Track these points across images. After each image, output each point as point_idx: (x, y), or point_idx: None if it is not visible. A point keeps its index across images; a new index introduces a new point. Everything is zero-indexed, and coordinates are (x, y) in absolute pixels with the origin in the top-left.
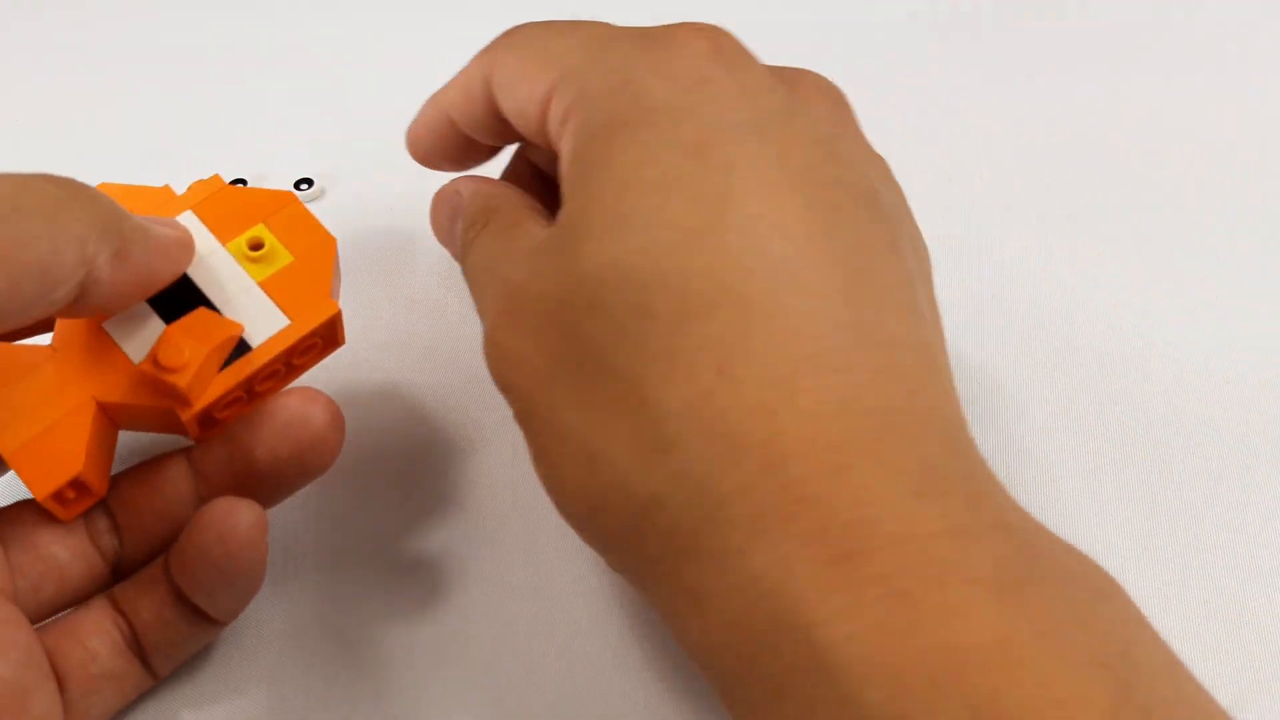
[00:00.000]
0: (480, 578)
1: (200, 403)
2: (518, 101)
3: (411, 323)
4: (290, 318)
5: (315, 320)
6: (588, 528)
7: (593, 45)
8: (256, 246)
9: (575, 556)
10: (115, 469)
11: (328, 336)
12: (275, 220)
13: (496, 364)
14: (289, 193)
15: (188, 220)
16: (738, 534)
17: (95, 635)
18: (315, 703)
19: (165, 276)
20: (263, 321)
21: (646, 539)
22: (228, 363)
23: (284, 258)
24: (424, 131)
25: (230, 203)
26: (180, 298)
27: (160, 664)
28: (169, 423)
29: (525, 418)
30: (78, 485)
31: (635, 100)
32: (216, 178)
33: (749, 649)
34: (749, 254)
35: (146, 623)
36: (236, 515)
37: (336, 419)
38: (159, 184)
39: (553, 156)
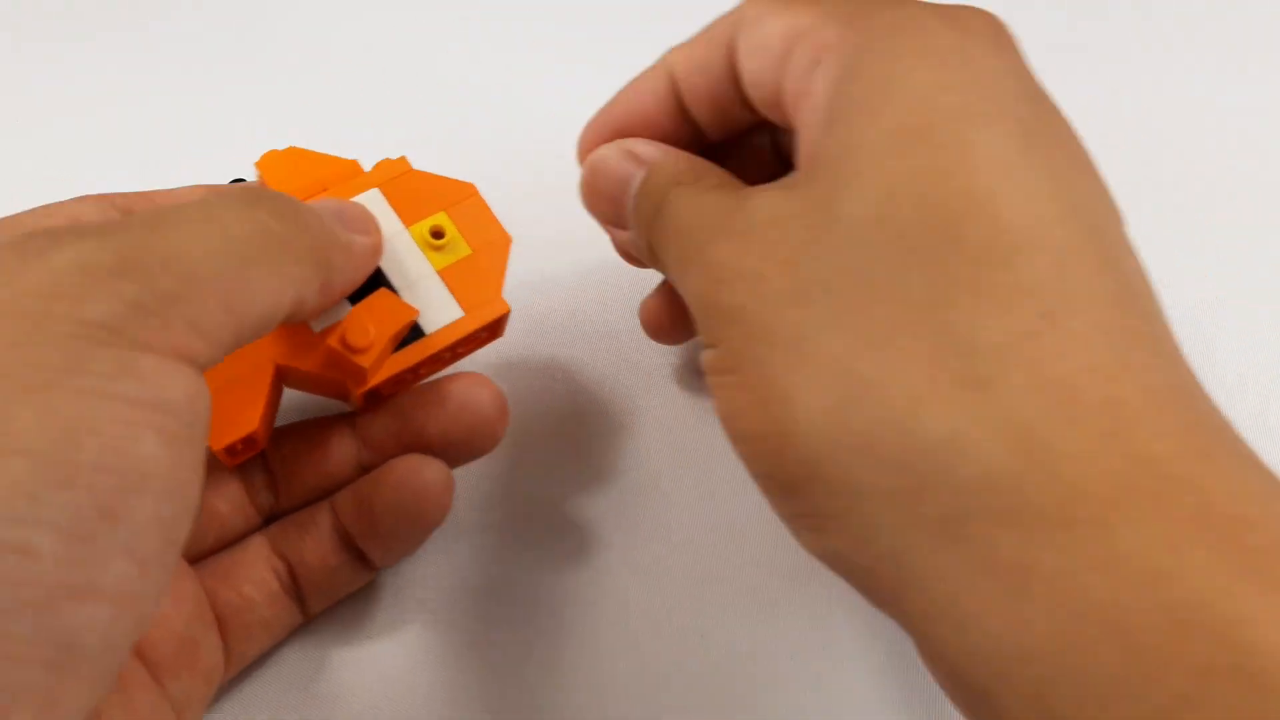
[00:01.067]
0: (638, 532)
1: (373, 381)
2: (760, 46)
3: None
4: (464, 310)
5: (488, 316)
6: (833, 472)
7: None
8: (438, 235)
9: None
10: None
11: (492, 330)
12: (457, 210)
13: (718, 286)
14: (471, 185)
15: (374, 198)
16: (1091, 503)
17: (252, 581)
18: (466, 645)
19: (358, 283)
20: (437, 310)
21: (928, 492)
22: (400, 345)
23: (462, 249)
24: (639, 99)
25: (415, 187)
26: None
27: (315, 604)
28: (337, 390)
29: (755, 341)
30: (248, 440)
31: (917, 34)
32: (404, 159)
33: (1111, 644)
34: (1066, 195)
35: (308, 565)
36: (429, 472)
37: (503, 406)
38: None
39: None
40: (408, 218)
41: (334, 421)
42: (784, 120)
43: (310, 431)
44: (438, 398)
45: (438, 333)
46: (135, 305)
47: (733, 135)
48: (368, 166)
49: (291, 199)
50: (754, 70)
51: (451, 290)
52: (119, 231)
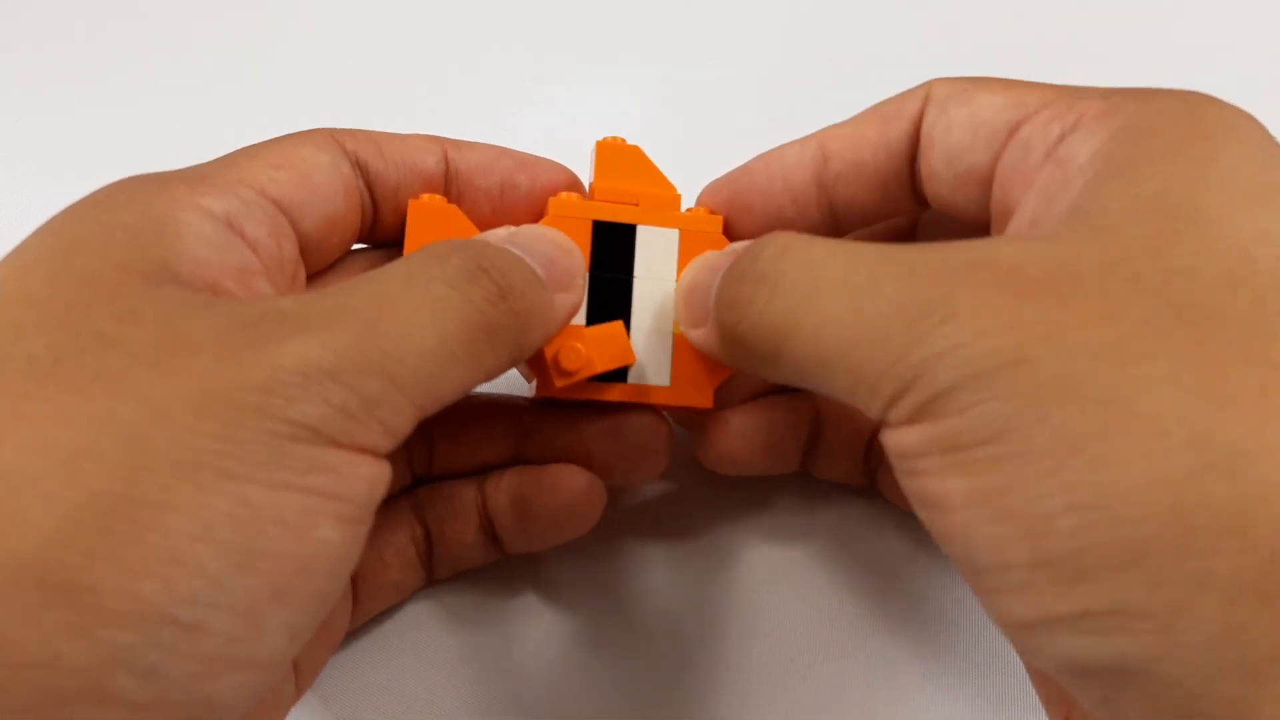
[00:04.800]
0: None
1: (555, 393)
2: (969, 120)
3: None
4: (672, 382)
5: (689, 400)
6: (1170, 558)
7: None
8: None
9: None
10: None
11: (686, 412)
12: None
13: (981, 338)
14: None
15: (670, 238)
16: None
17: (392, 546)
18: (575, 631)
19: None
20: (651, 369)
21: None
22: (603, 377)
23: None
24: (771, 177)
25: (712, 248)
26: (613, 292)
27: (441, 571)
28: (525, 369)
29: (1046, 399)
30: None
31: (1215, 117)
32: (720, 219)
33: None
34: None
35: (446, 540)
36: (587, 485)
37: (671, 444)
38: None
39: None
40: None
41: (503, 407)
42: (973, 198)
43: (479, 411)
44: (616, 430)
45: (637, 387)
46: (340, 410)
47: (862, 226)
48: None
49: (517, 265)
50: (956, 144)
51: (675, 360)
52: (341, 328)
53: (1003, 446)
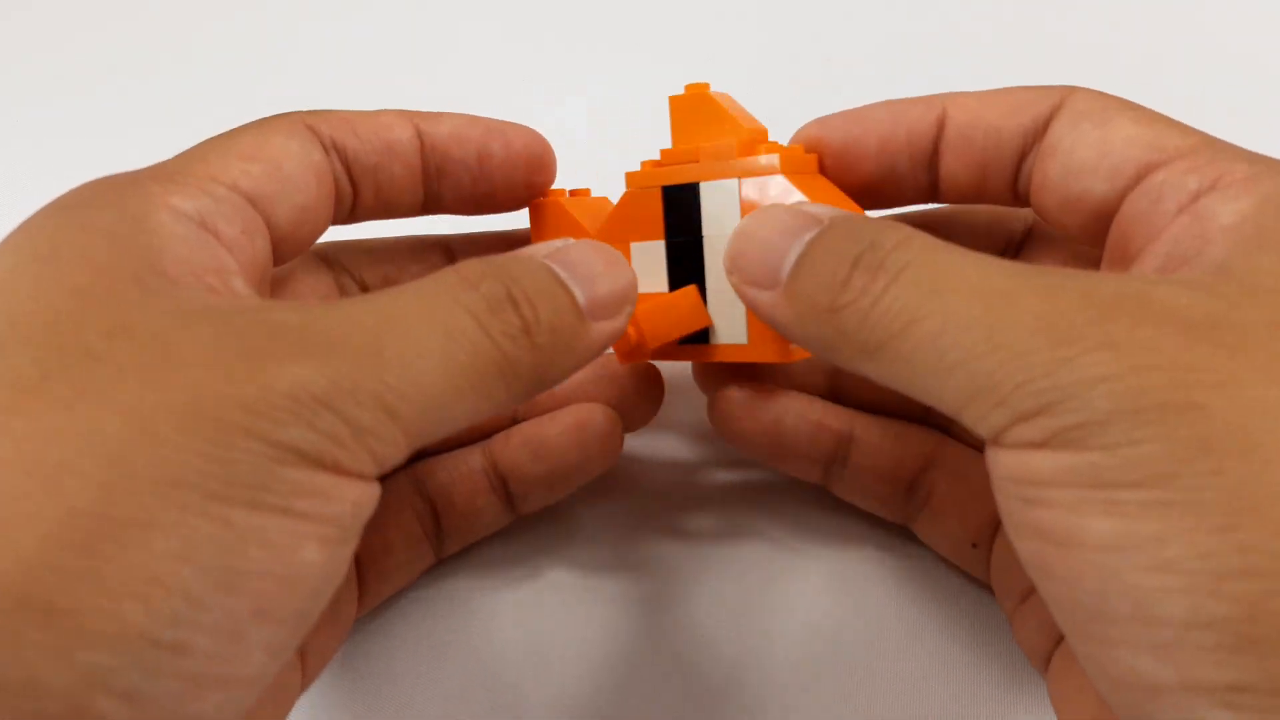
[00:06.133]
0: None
1: (638, 359)
2: (1105, 152)
3: None
4: (750, 340)
5: (767, 356)
6: None
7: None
8: None
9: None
10: None
11: (766, 368)
12: None
13: (1143, 373)
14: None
15: (729, 190)
16: None
17: (396, 527)
18: (583, 604)
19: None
20: (728, 328)
21: None
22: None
23: None
24: (892, 124)
25: (815, 190)
26: (689, 257)
27: (450, 546)
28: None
29: (1214, 450)
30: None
31: None
32: (814, 159)
33: None
34: None
35: (455, 509)
36: (604, 418)
37: (660, 386)
38: None
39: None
40: None
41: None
42: (1078, 222)
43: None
44: (607, 377)
45: (715, 347)
46: (330, 436)
47: (943, 199)
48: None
49: (552, 295)
50: (1080, 162)
51: (750, 315)
52: (342, 351)
53: (1166, 493)
